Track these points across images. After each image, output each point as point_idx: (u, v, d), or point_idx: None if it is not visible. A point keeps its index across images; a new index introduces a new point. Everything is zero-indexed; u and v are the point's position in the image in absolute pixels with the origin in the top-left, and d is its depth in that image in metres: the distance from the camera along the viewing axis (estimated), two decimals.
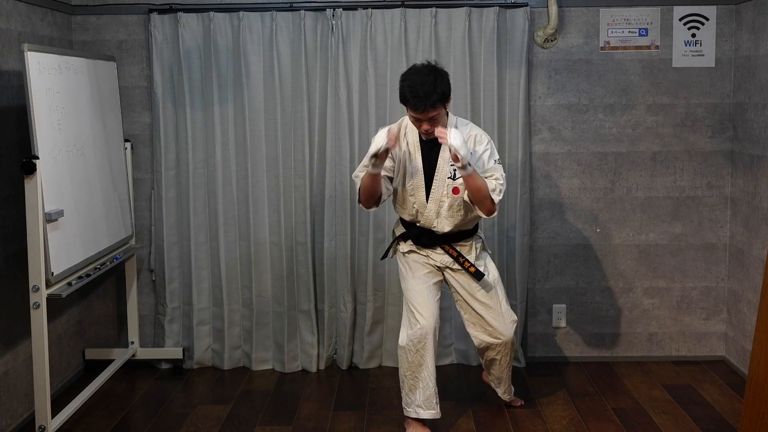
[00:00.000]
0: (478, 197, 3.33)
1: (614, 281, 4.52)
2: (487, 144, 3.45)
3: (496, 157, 3.47)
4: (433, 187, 3.46)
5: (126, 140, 4.33)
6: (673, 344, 4.56)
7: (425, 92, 3.23)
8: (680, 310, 4.54)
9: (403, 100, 3.32)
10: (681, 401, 3.97)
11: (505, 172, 3.49)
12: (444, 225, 3.49)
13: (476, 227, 3.61)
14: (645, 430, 3.66)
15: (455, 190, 3.43)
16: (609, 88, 4.40)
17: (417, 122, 3.35)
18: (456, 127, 3.42)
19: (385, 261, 4.18)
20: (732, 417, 3.76)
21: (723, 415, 3.79)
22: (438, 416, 3.54)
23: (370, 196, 3.44)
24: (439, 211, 3.47)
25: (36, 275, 3.28)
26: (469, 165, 3.24)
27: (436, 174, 3.46)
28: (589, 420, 3.76)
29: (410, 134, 3.50)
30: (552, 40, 4.36)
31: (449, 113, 3.49)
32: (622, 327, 4.54)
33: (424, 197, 3.47)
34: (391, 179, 3.52)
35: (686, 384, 4.21)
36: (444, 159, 3.44)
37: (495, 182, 3.39)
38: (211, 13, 4.26)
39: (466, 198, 3.41)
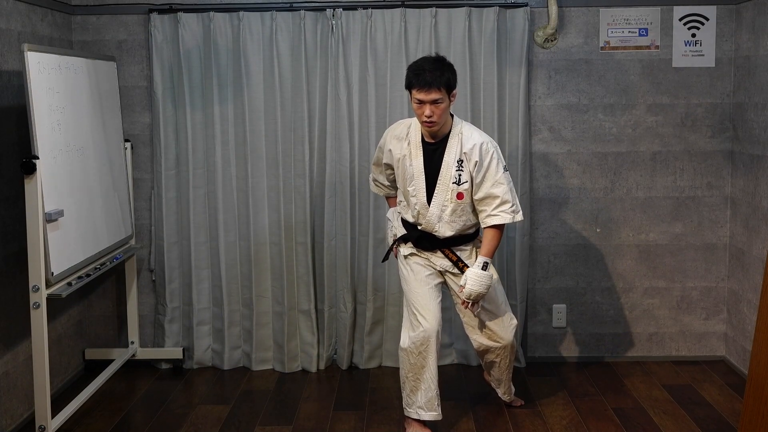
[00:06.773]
0: (498, 241, 3.45)
1: (614, 281, 4.52)
2: (493, 153, 3.38)
3: (504, 163, 3.43)
4: (435, 191, 3.42)
5: (126, 140, 4.33)
6: (673, 344, 4.56)
7: (431, 72, 3.24)
8: (680, 310, 4.54)
9: (408, 81, 3.32)
10: (681, 401, 3.97)
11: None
12: (446, 230, 3.46)
13: (477, 231, 3.58)
14: (645, 430, 3.66)
15: (459, 196, 3.40)
16: (609, 88, 4.40)
17: (420, 107, 3.30)
18: (462, 132, 3.40)
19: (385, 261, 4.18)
20: (732, 417, 3.76)
21: (723, 415, 3.79)
22: (439, 418, 3.53)
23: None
24: (441, 216, 3.44)
25: (36, 275, 3.28)
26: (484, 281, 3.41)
27: (439, 178, 3.42)
28: (589, 420, 3.76)
29: (413, 134, 3.47)
30: (552, 40, 4.36)
31: (454, 116, 3.47)
32: (622, 327, 4.54)
33: (425, 198, 3.44)
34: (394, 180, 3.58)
35: (686, 384, 4.21)
36: (447, 164, 3.39)
37: (505, 214, 3.38)
38: (211, 13, 4.26)
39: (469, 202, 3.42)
